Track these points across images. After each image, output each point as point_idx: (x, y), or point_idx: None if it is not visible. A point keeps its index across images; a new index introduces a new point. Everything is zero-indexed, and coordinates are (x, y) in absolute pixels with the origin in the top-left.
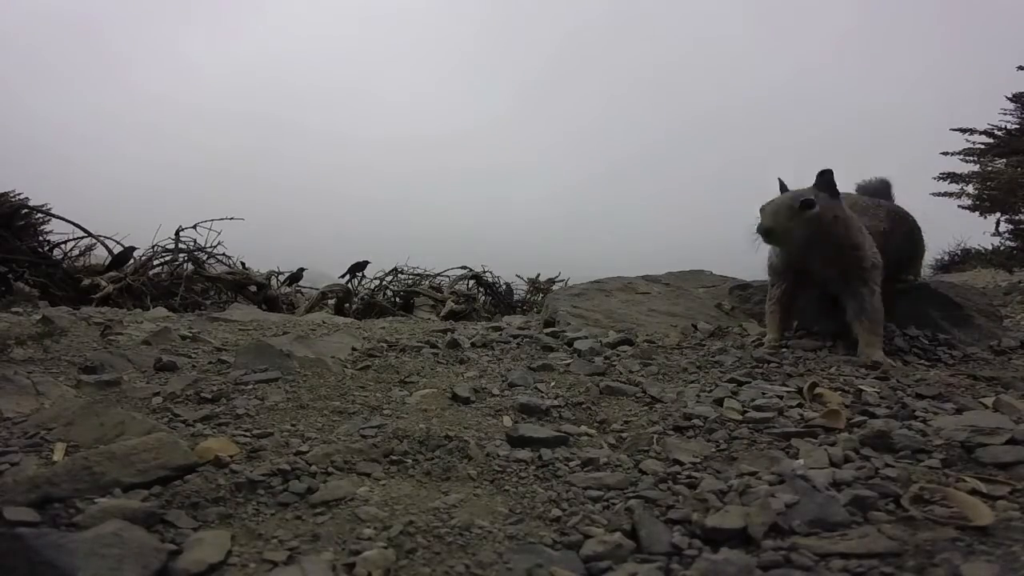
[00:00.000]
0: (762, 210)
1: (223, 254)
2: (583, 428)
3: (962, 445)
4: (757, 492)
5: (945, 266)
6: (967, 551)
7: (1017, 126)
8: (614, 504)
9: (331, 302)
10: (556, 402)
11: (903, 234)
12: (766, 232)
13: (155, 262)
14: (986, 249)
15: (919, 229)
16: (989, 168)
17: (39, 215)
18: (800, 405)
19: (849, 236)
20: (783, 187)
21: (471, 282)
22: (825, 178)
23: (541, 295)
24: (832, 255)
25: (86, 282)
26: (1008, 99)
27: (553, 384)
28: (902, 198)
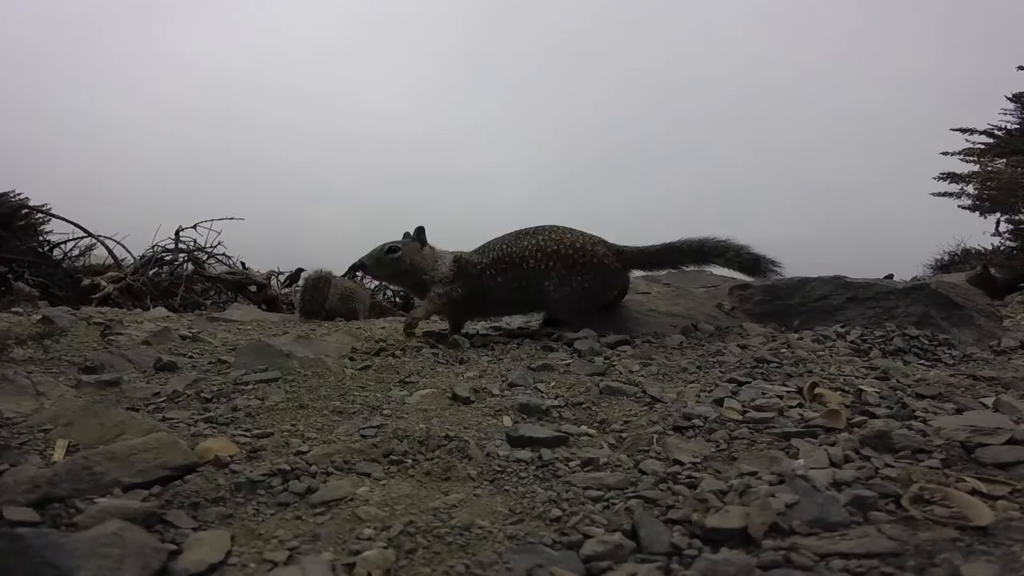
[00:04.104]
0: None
1: (223, 254)
2: (583, 428)
3: (962, 445)
4: (757, 492)
5: (945, 266)
6: (967, 551)
7: (1017, 126)
8: (614, 504)
9: None
10: (556, 402)
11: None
12: (358, 266)
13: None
14: (986, 249)
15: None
16: (989, 168)
17: (39, 215)
18: (800, 405)
19: (421, 270)
20: (406, 235)
21: None
22: (417, 232)
23: None
24: (411, 281)
25: (86, 282)
26: (1008, 99)
27: (553, 384)
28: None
